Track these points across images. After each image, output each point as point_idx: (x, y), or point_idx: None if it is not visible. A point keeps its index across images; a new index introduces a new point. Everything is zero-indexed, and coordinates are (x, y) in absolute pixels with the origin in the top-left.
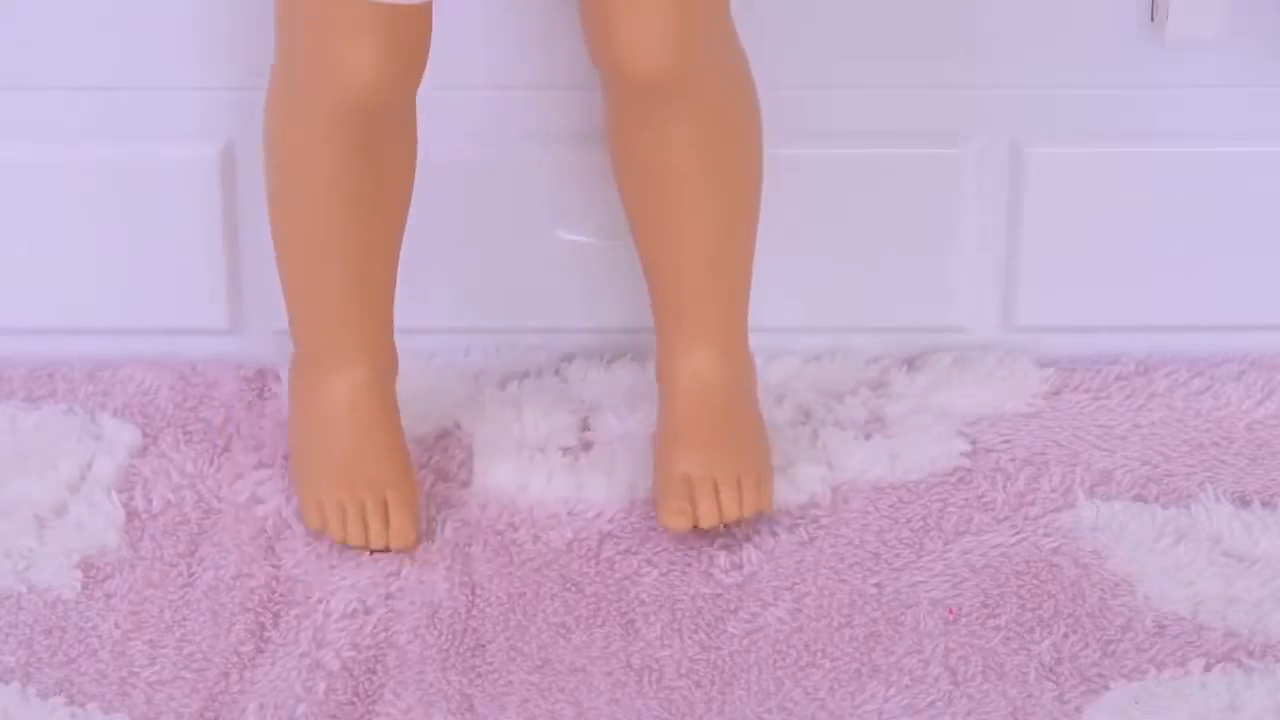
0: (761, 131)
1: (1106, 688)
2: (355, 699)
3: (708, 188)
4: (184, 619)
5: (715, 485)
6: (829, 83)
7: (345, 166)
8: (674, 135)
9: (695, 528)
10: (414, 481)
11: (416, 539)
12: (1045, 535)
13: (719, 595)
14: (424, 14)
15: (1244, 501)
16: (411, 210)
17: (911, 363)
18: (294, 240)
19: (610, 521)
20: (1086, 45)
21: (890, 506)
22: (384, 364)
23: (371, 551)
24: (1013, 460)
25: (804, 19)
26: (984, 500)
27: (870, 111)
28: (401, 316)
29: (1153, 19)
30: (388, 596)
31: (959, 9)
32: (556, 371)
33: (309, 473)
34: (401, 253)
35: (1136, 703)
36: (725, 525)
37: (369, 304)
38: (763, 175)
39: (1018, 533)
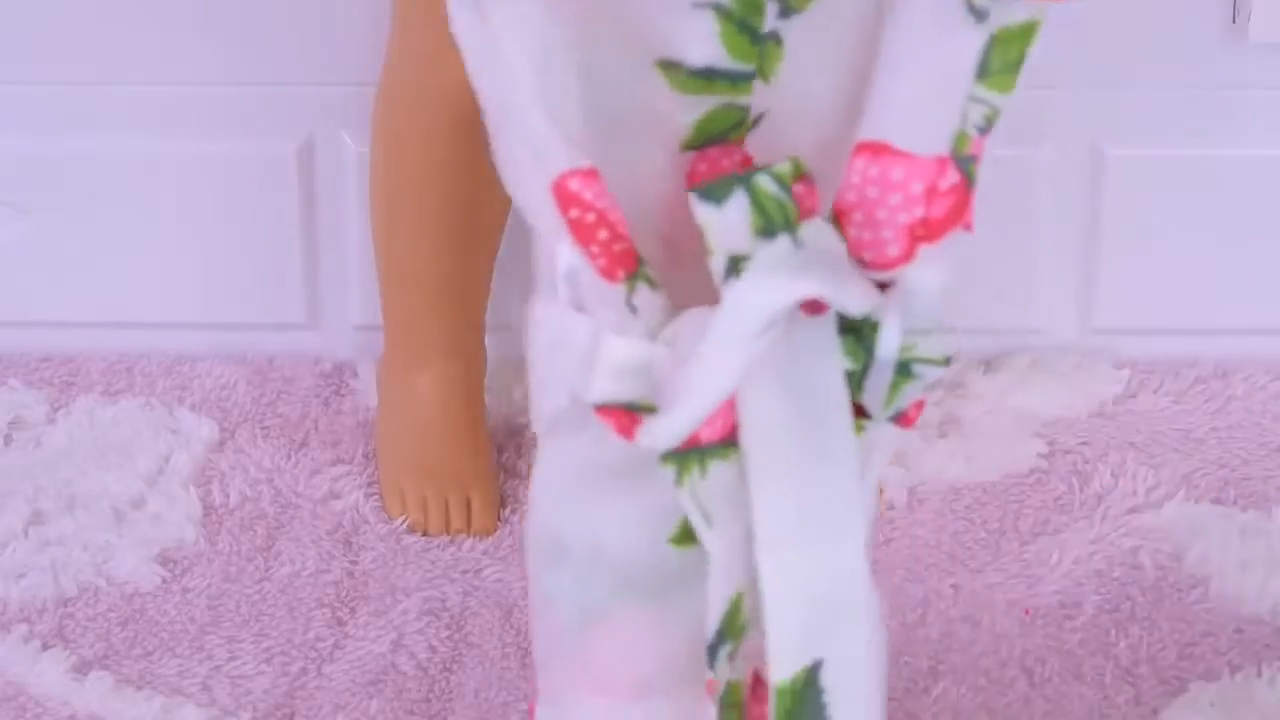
0: None
1: (1185, 689)
2: (431, 696)
3: None
4: (261, 613)
5: None
6: None
7: (458, 161)
8: None
9: None
10: (497, 481)
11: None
12: (1123, 536)
13: None
14: None
15: None
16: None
17: (989, 364)
18: (398, 232)
19: None
20: (1167, 47)
21: (966, 508)
22: (475, 362)
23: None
24: (1089, 462)
25: None
26: (1061, 501)
27: None
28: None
29: (1234, 20)
30: (465, 594)
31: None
32: None
33: (395, 466)
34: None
35: (1213, 704)
36: None
37: (466, 301)
38: None
39: (1095, 534)
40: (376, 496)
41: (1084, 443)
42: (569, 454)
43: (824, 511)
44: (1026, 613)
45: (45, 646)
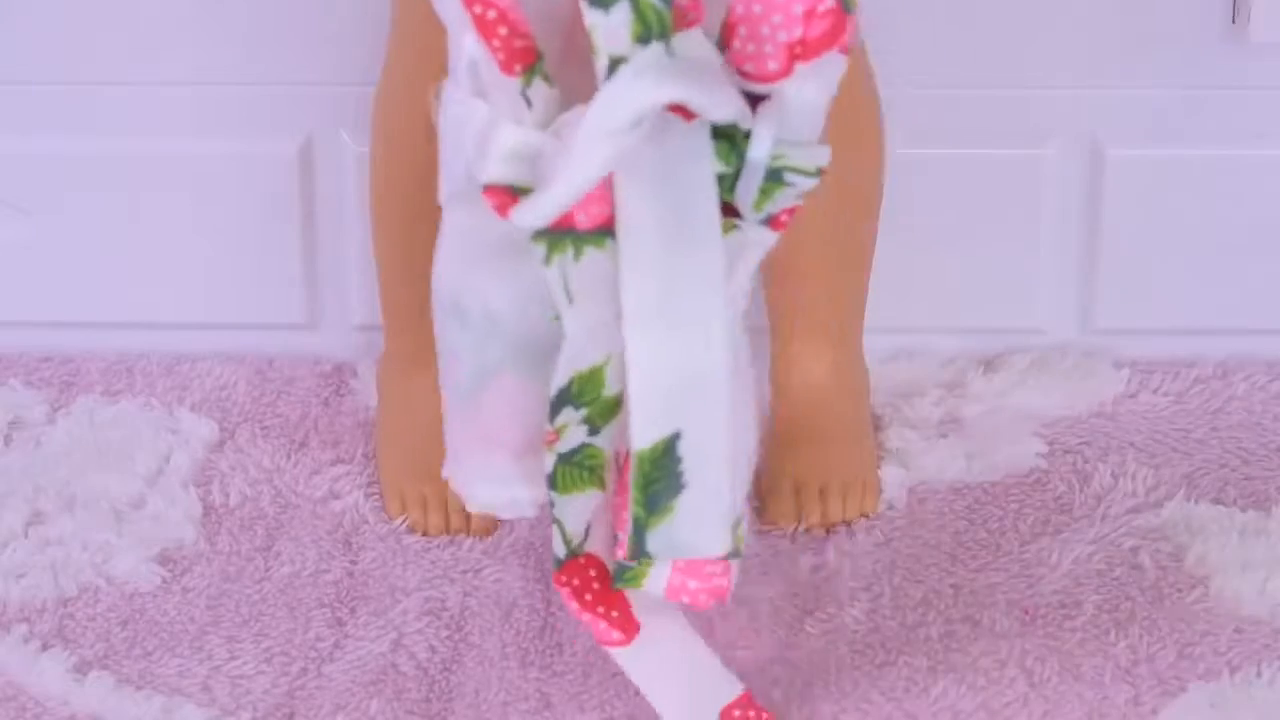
0: (885, 135)
1: (1183, 689)
2: (431, 696)
3: (836, 187)
4: (261, 613)
5: (821, 489)
6: (907, 82)
7: None
8: None
9: (797, 529)
10: None
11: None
12: (1123, 536)
13: (796, 595)
14: None
15: None
16: None
17: (989, 364)
18: (398, 231)
19: None
20: (1168, 47)
21: (967, 507)
22: None
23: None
24: (1089, 462)
25: (880, 21)
26: (1061, 501)
27: (949, 112)
28: None
29: (1234, 20)
30: (465, 594)
31: (1039, 9)
32: None
33: (395, 467)
34: None
35: (1212, 705)
36: (826, 529)
37: None
38: (885, 178)
39: (1095, 534)
40: (376, 496)
41: (1084, 442)
42: (465, 225)
43: (687, 297)
44: (1026, 612)
45: (45, 646)
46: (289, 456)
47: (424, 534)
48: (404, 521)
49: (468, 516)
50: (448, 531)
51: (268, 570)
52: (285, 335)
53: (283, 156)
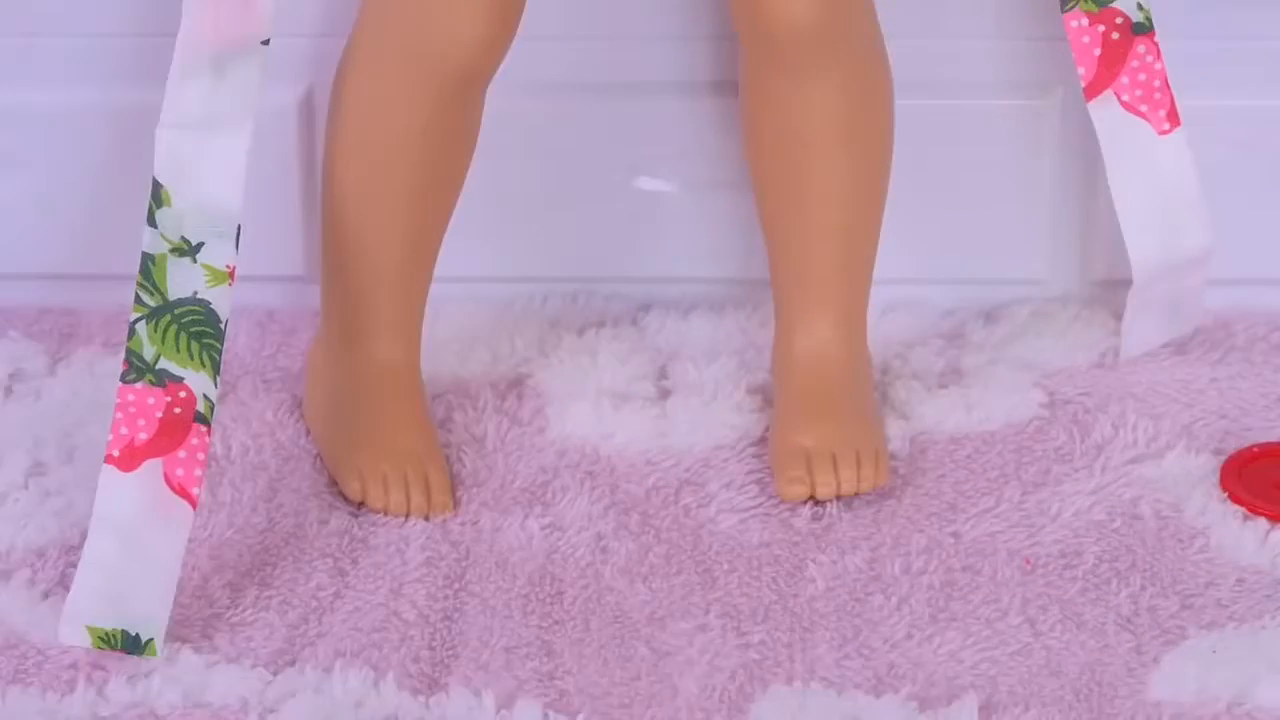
0: (893, 95)
1: (1185, 637)
2: (434, 645)
3: (845, 149)
4: (264, 563)
5: (834, 458)
6: (907, 32)
7: (423, 131)
8: (815, 92)
9: (811, 498)
10: (444, 458)
11: (454, 510)
12: (1124, 486)
13: (797, 544)
14: None
15: None
16: (492, 159)
17: (989, 315)
18: (354, 204)
19: (688, 470)
20: None
21: (967, 457)
22: (415, 342)
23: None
24: (1089, 412)
25: None
26: (1061, 451)
27: (949, 62)
28: (479, 264)
29: None
30: (465, 544)
31: None
32: (633, 321)
33: (346, 447)
34: (482, 202)
35: (1214, 651)
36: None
37: (415, 279)
38: (893, 142)
39: (1095, 484)
40: None
41: (1084, 393)
42: None
43: None
44: (1027, 562)
45: (47, 594)
46: (291, 410)
47: (385, 512)
48: (361, 505)
49: (427, 494)
50: (408, 510)
51: (270, 522)
52: (285, 287)
53: (283, 108)
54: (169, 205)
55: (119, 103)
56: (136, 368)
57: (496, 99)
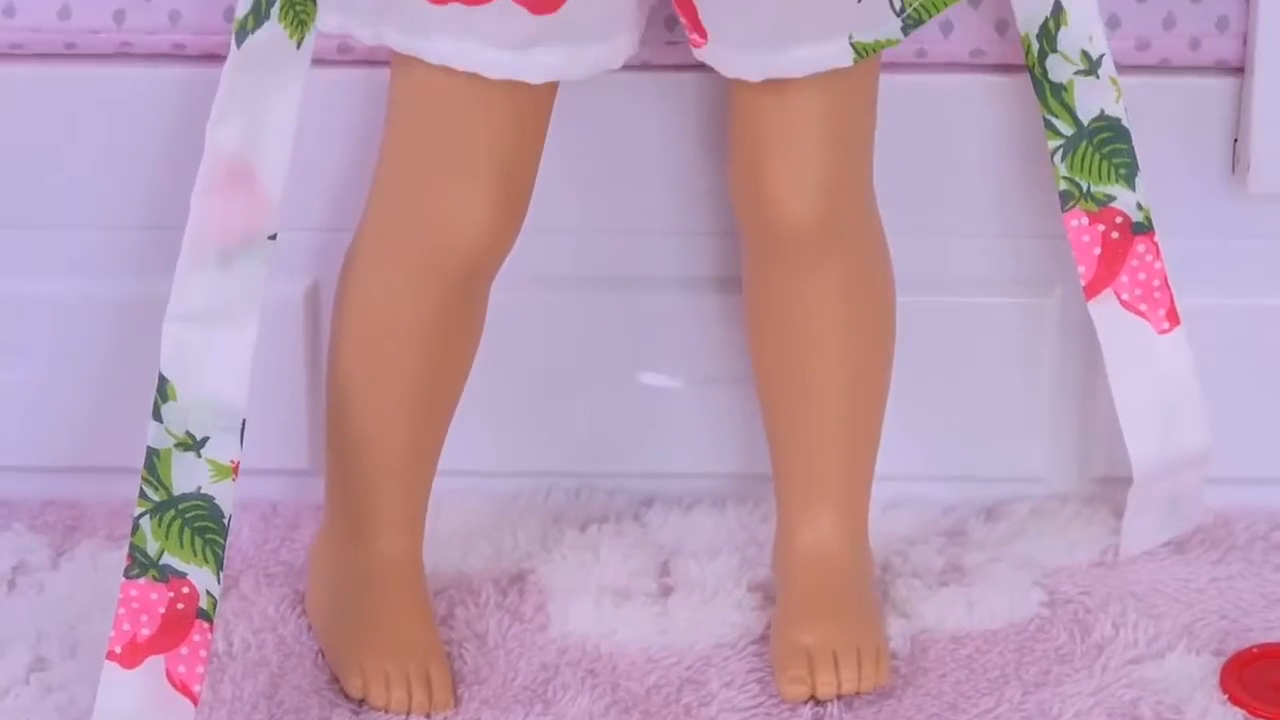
0: (894, 289)
1: None
2: None
3: (846, 343)
4: None
5: (835, 657)
6: (908, 228)
7: (428, 325)
8: (816, 287)
9: (812, 698)
10: (445, 651)
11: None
12: (1124, 688)
13: None
14: (534, 162)
15: None
16: (495, 352)
17: (989, 512)
18: (358, 398)
19: (689, 668)
20: (1167, 197)
21: (968, 656)
22: (419, 536)
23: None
24: (1090, 611)
25: (885, 167)
26: (1062, 651)
27: (949, 259)
28: (482, 458)
29: (1234, 171)
30: None
31: (1040, 159)
32: (636, 516)
33: (348, 642)
34: (485, 396)
35: None
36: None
37: (418, 474)
38: (895, 336)
39: (1096, 685)
40: None
41: (1085, 592)
42: None
43: None
44: None
45: None
46: (293, 605)
47: (386, 710)
48: (363, 702)
49: (429, 692)
50: (409, 708)
51: (271, 719)
52: (289, 480)
53: (288, 301)
54: (174, 400)
55: (124, 295)
56: (140, 563)
57: (500, 292)
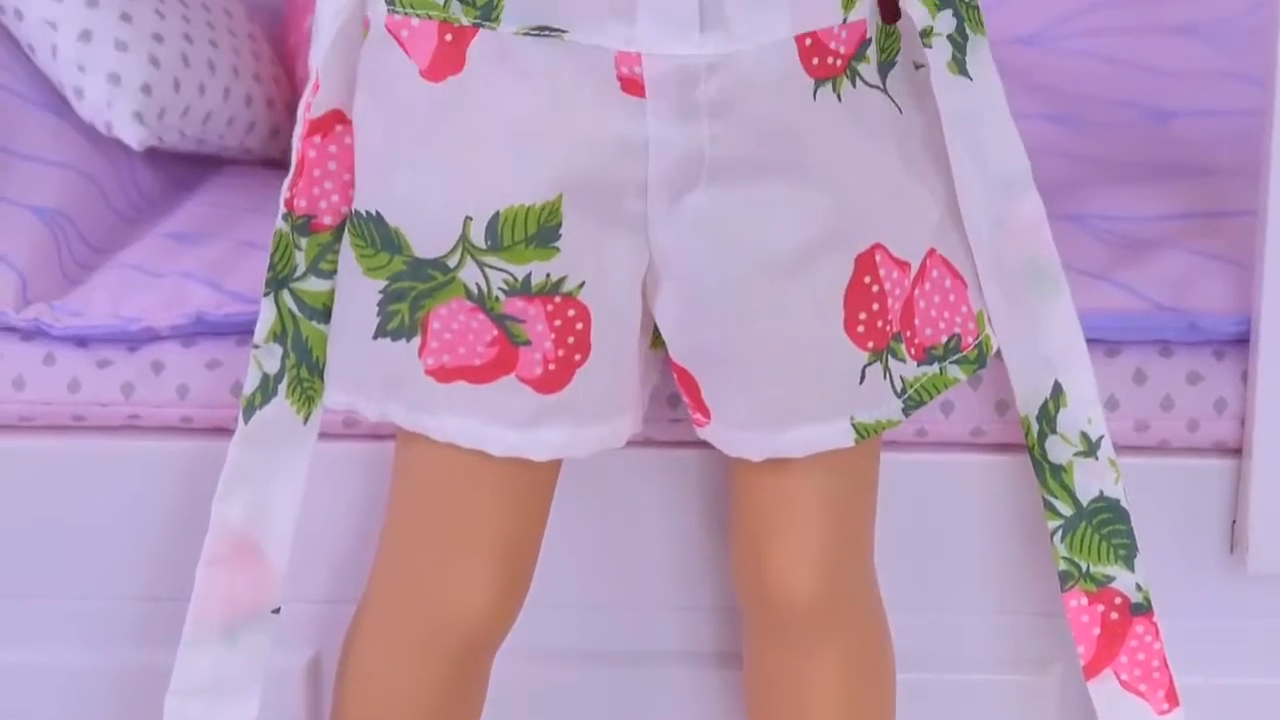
0: (894, 666)
1: None
2: None
3: None
4: None
5: None
6: (908, 606)
7: (429, 698)
8: (816, 666)
9: None
10: None
11: None
12: None
13: None
14: (536, 538)
15: None
16: None
17: None
18: None
19: None
20: (1166, 576)
21: None
22: None
23: None
24: None
25: (886, 544)
26: None
27: (949, 637)
28: None
29: (1232, 551)
30: None
31: (1038, 536)
32: None
33: None
34: None
35: None
36: None
37: None
38: (894, 715)
39: None
40: None
41: None
42: None
43: None
44: None
45: None
46: None
47: None
48: None
49: None
50: None
51: None
52: None
53: (290, 672)
54: None
55: (127, 665)
56: None
57: (501, 665)
